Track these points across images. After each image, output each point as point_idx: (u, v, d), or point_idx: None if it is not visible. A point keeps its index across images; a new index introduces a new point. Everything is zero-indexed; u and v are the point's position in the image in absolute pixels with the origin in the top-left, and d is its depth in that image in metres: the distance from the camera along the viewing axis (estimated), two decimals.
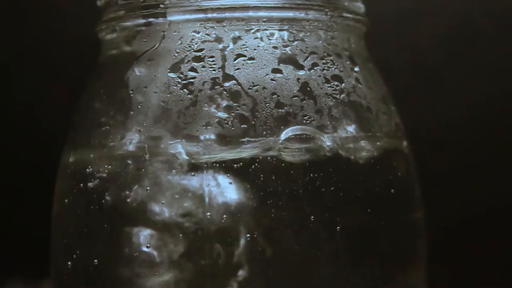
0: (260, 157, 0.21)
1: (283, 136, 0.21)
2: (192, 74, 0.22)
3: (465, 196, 0.44)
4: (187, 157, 0.21)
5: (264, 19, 0.23)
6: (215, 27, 0.22)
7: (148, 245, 0.21)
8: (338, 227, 0.21)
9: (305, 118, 0.22)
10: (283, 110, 0.22)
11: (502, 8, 0.43)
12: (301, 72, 0.22)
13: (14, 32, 0.47)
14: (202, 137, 0.21)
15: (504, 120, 0.44)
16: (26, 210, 0.45)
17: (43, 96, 0.47)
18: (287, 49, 0.23)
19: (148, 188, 0.21)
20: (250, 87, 0.22)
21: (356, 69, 0.24)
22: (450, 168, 0.44)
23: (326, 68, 0.23)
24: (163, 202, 0.21)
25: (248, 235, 0.20)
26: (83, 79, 0.25)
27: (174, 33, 0.23)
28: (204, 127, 0.21)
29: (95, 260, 0.22)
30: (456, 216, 0.44)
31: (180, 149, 0.21)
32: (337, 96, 0.23)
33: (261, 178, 0.21)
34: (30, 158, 0.47)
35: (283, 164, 0.21)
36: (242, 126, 0.21)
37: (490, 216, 0.44)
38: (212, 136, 0.21)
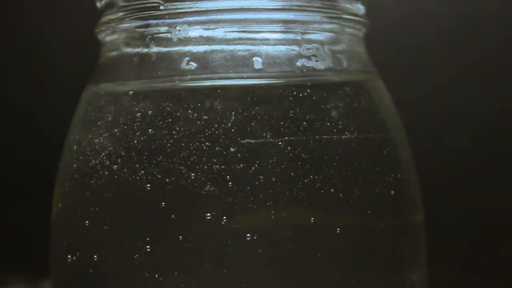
0: None
1: None
2: (192, 76, 0.22)
3: (465, 198, 0.44)
4: None
5: (263, 21, 0.22)
6: (215, 29, 0.22)
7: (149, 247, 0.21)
8: (338, 229, 0.21)
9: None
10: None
11: (502, 8, 0.43)
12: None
13: (14, 32, 0.47)
14: None
15: (505, 120, 0.44)
16: (26, 210, 0.45)
17: (42, 96, 0.47)
18: (287, 51, 0.23)
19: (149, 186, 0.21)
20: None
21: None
22: (450, 168, 0.44)
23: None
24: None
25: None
26: (83, 80, 0.25)
27: (173, 35, 0.23)
28: None
29: (95, 260, 0.22)
30: (457, 220, 0.44)
31: None
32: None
33: None
34: (30, 158, 0.47)
35: None
36: None
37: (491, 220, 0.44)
38: None
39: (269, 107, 0.21)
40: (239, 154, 0.21)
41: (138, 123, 0.22)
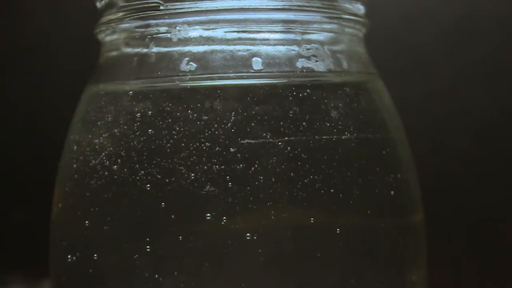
0: None
1: None
2: (192, 75, 0.22)
3: (465, 199, 0.44)
4: None
5: (263, 21, 0.22)
6: (215, 29, 0.22)
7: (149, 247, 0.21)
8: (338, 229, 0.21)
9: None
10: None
11: (502, 8, 0.43)
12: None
13: (14, 32, 0.47)
14: None
15: (505, 120, 0.44)
16: (25, 210, 0.45)
17: (42, 96, 0.47)
18: (287, 51, 0.23)
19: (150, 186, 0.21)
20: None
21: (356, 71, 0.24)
22: (450, 168, 0.44)
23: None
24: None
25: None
26: (83, 80, 0.25)
27: (173, 35, 0.23)
28: None
29: (95, 260, 0.22)
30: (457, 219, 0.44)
31: None
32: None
33: None
34: (30, 158, 0.47)
35: None
36: None
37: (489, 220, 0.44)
38: None
39: (269, 107, 0.21)
40: (239, 154, 0.21)
41: (138, 123, 0.22)
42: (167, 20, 0.23)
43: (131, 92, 0.23)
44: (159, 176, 0.21)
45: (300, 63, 0.23)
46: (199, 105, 0.21)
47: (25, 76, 0.47)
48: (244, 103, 0.21)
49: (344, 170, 0.22)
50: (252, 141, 0.21)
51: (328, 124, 0.22)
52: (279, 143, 0.21)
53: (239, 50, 0.22)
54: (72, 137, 0.24)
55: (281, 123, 0.21)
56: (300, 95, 0.22)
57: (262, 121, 0.21)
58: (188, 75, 0.22)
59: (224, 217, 0.21)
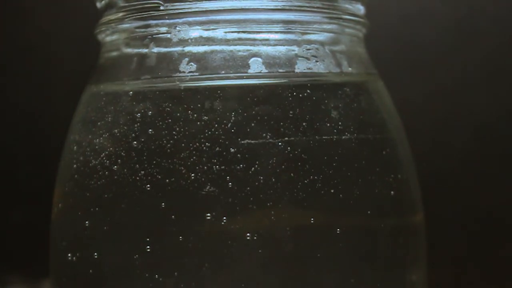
0: None
1: None
2: (192, 75, 0.22)
3: (465, 199, 0.44)
4: None
5: (263, 22, 0.22)
6: (215, 29, 0.22)
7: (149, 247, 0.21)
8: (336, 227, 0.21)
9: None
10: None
11: (502, 8, 0.43)
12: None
13: (14, 32, 0.47)
14: None
15: (505, 120, 0.44)
16: (25, 210, 0.45)
17: (42, 96, 0.47)
18: (287, 51, 0.23)
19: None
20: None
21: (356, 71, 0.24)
22: (450, 168, 0.44)
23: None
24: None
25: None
26: (83, 80, 0.25)
27: (173, 35, 0.23)
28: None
29: (95, 260, 0.22)
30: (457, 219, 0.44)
31: None
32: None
33: None
34: (30, 158, 0.47)
35: None
36: None
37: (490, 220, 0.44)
38: None
39: (269, 108, 0.21)
40: (239, 155, 0.21)
41: (138, 124, 0.22)
42: (167, 21, 0.23)
43: (131, 92, 0.23)
44: (159, 177, 0.21)
45: (300, 64, 0.23)
46: (199, 105, 0.21)
47: (25, 76, 0.47)
48: (244, 104, 0.21)
49: (344, 171, 0.22)
50: (252, 142, 0.21)
51: (328, 125, 0.22)
52: (279, 144, 0.21)
53: (239, 51, 0.22)
54: (72, 137, 0.24)
55: (281, 123, 0.21)
56: (300, 95, 0.22)
57: (262, 122, 0.21)
58: (188, 76, 0.22)
59: (224, 217, 0.21)
